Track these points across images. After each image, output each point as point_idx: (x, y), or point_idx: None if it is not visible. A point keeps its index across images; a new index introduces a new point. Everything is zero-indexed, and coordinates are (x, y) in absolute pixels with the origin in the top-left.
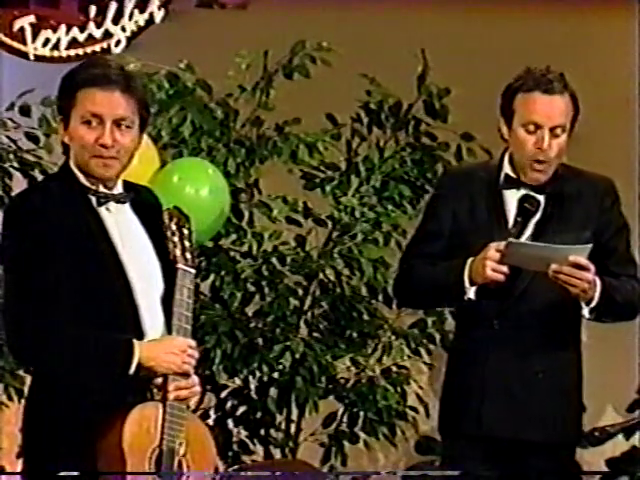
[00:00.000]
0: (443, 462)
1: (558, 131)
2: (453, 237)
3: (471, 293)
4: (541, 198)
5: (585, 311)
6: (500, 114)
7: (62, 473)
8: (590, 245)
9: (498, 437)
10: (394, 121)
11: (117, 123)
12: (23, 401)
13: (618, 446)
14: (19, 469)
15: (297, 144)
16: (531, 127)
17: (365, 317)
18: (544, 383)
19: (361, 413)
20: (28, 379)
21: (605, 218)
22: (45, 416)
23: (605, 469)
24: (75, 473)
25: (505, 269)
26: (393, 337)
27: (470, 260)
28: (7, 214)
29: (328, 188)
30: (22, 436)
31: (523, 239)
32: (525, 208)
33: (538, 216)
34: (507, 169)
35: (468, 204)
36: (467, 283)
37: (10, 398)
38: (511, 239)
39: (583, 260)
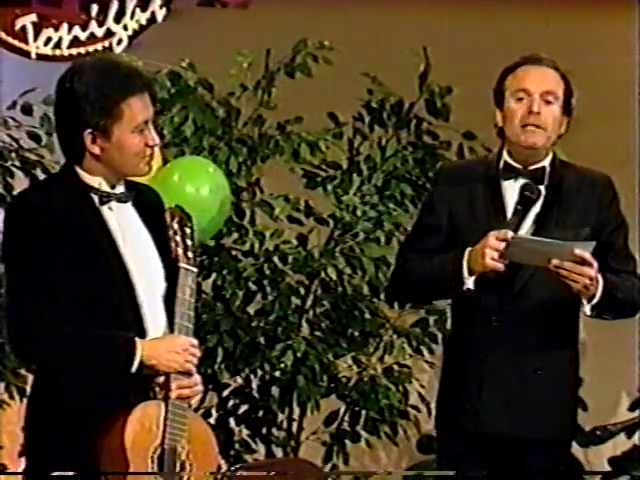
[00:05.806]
0: (439, 459)
1: (550, 98)
2: (451, 232)
3: (470, 283)
4: (541, 188)
5: (587, 308)
6: (495, 104)
7: (64, 472)
8: (594, 243)
9: (496, 435)
10: (396, 120)
11: None
12: (25, 400)
13: (620, 445)
14: (21, 468)
15: (299, 143)
16: (521, 94)
17: (367, 316)
18: (543, 380)
19: (363, 412)
20: (30, 378)
21: (604, 214)
22: (47, 415)
23: (607, 468)
24: (73, 473)
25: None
26: (395, 336)
27: (469, 249)
28: (9, 213)
29: (330, 187)
30: (24, 435)
31: (523, 231)
32: (525, 196)
33: (538, 208)
34: (506, 157)
35: (466, 198)
36: (466, 273)
37: (12, 397)
38: (513, 234)
39: (587, 255)
